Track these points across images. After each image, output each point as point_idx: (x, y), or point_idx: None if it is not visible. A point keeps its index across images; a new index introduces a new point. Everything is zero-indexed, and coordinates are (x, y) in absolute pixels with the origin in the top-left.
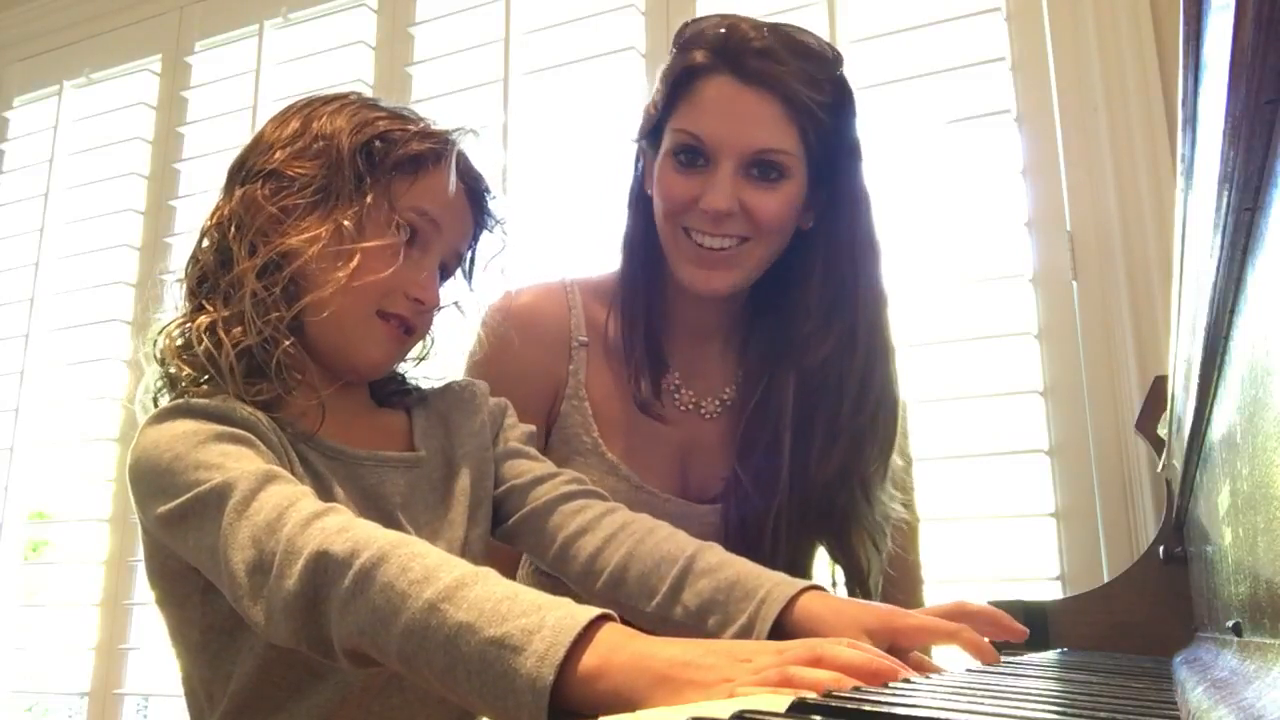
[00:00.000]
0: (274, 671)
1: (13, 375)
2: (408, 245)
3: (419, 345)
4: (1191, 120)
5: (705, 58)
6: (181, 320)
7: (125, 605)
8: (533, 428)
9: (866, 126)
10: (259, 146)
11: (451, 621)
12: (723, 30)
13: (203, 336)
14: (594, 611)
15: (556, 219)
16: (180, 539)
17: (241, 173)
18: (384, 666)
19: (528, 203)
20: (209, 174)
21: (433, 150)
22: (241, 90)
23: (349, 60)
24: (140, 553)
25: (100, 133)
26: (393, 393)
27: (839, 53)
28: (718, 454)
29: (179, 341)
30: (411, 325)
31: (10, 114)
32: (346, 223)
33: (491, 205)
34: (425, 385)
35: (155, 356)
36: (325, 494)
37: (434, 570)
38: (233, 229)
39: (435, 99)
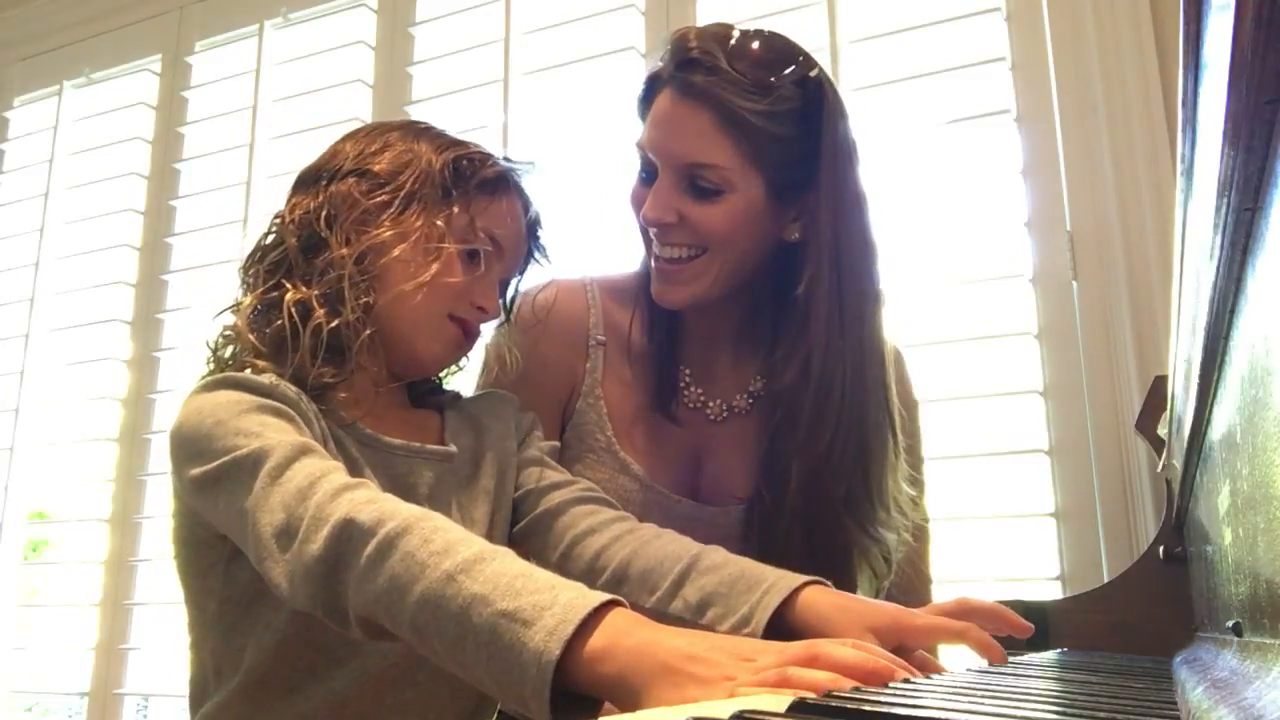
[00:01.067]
0: (291, 652)
1: (13, 375)
2: (478, 260)
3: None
4: (1191, 120)
5: (661, 69)
6: (261, 293)
7: (125, 605)
8: (556, 443)
9: (855, 126)
10: (339, 156)
11: (466, 593)
12: (675, 41)
13: (291, 310)
14: (605, 596)
15: (556, 219)
16: (212, 501)
17: (322, 177)
18: (395, 640)
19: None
20: (209, 174)
21: (508, 178)
22: (241, 90)
23: (349, 60)
24: (141, 553)
25: (100, 133)
26: (427, 393)
27: (803, 57)
28: (731, 457)
29: (252, 320)
30: (473, 332)
31: (10, 114)
32: (439, 222)
33: (543, 238)
34: (461, 391)
35: (220, 338)
36: (356, 478)
37: (455, 544)
38: (322, 220)
39: (435, 99)
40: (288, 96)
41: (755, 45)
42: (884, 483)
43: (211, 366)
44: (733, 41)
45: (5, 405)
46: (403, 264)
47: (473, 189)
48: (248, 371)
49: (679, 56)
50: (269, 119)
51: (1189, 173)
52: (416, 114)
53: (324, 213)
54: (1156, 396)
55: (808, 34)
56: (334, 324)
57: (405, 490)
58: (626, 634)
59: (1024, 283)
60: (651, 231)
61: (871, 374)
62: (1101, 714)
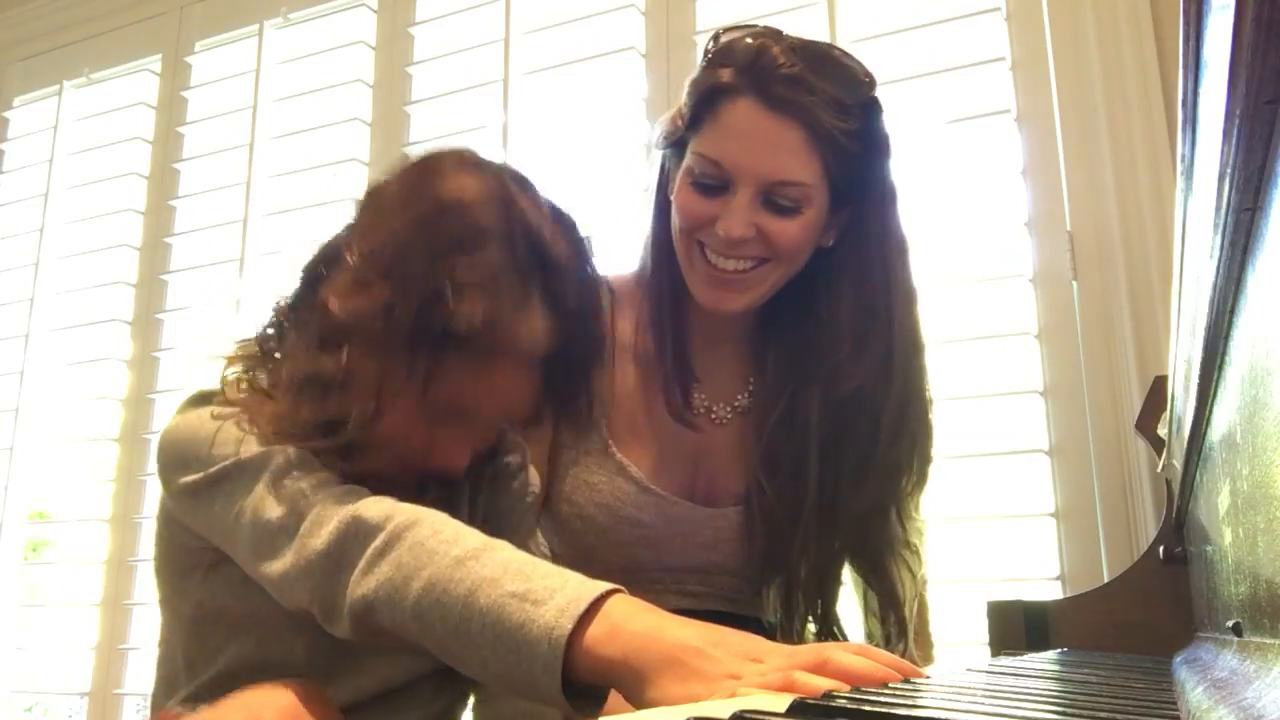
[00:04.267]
0: (260, 674)
1: (13, 375)
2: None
3: None
4: (1191, 120)
5: (733, 77)
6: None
7: (125, 605)
8: (534, 497)
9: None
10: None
11: (475, 575)
12: (753, 51)
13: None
14: (612, 585)
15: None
16: (206, 506)
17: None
18: (384, 641)
19: None
20: (209, 174)
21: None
22: (241, 90)
23: (349, 60)
24: (141, 553)
25: (100, 133)
26: None
27: (869, 77)
28: (728, 459)
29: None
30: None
31: (10, 114)
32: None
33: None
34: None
35: (247, 363)
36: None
37: (464, 534)
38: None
39: (435, 99)
40: (288, 96)
41: (835, 61)
42: (916, 497)
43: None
44: (819, 53)
45: (5, 405)
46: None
47: (514, 344)
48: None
49: (766, 68)
50: (269, 119)
51: (1189, 173)
52: (417, 115)
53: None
54: (1156, 396)
55: (807, 34)
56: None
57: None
58: (633, 618)
59: (1024, 283)
60: (712, 240)
61: (915, 365)
62: (1101, 714)
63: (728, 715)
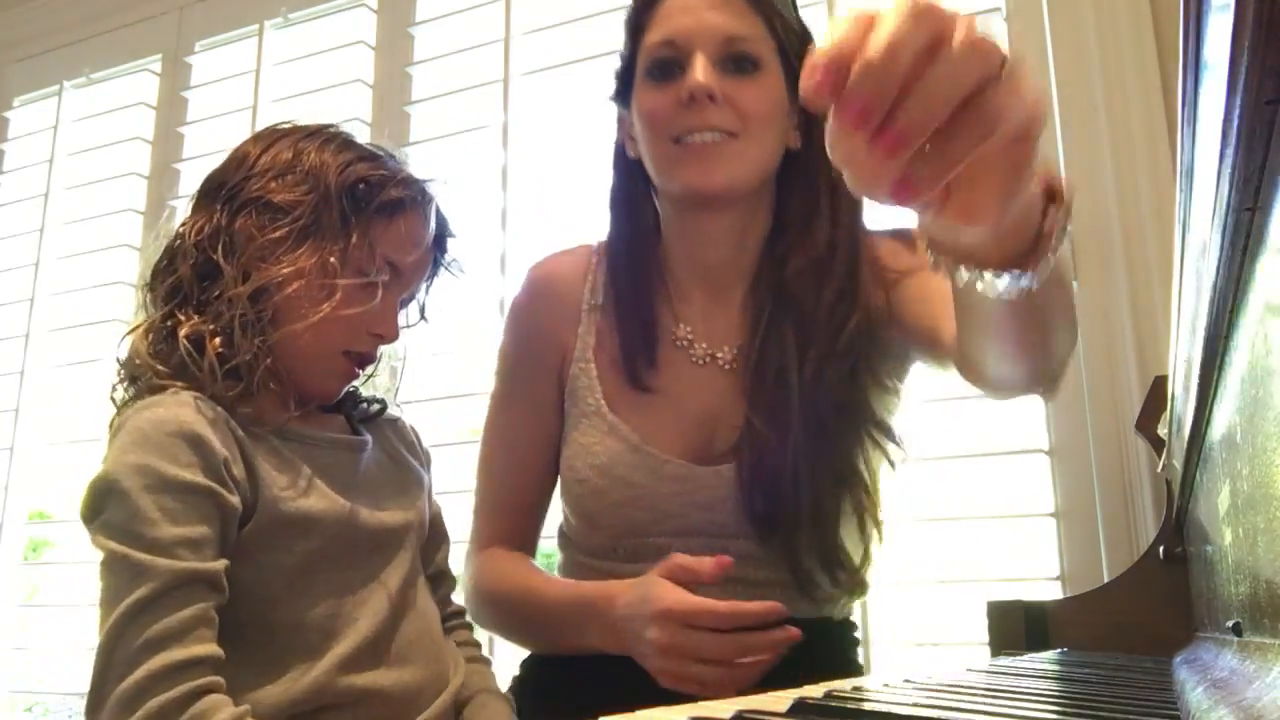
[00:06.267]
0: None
1: (13, 375)
2: (374, 286)
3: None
4: (1191, 120)
5: None
6: (155, 324)
7: None
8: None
9: None
10: (243, 167)
11: None
12: None
13: (186, 344)
14: None
15: (556, 219)
16: (99, 565)
17: (224, 192)
18: None
19: (527, 202)
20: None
21: (410, 198)
22: (241, 90)
23: (349, 60)
24: None
25: (100, 133)
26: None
27: None
28: (729, 412)
29: (153, 346)
30: (369, 360)
31: (10, 114)
32: (332, 259)
33: (451, 248)
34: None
35: (121, 358)
36: (291, 474)
37: None
38: (220, 249)
39: (435, 99)
40: (287, 97)
41: None
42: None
43: (125, 385)
44: None
45: (5, 405)
46: (296, 301)
47: (372, 213)
48: (169, 394)
49: None
50: (269, 119)
51: (1189, 173)
52: (417, 115)
53: (221, 241)
54: (1156, 397)
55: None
56: (231, 360)
57: (338, 477)
58: None
59: None
60: (684, 120)
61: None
62: (1102, 714)
63: (729, 715)
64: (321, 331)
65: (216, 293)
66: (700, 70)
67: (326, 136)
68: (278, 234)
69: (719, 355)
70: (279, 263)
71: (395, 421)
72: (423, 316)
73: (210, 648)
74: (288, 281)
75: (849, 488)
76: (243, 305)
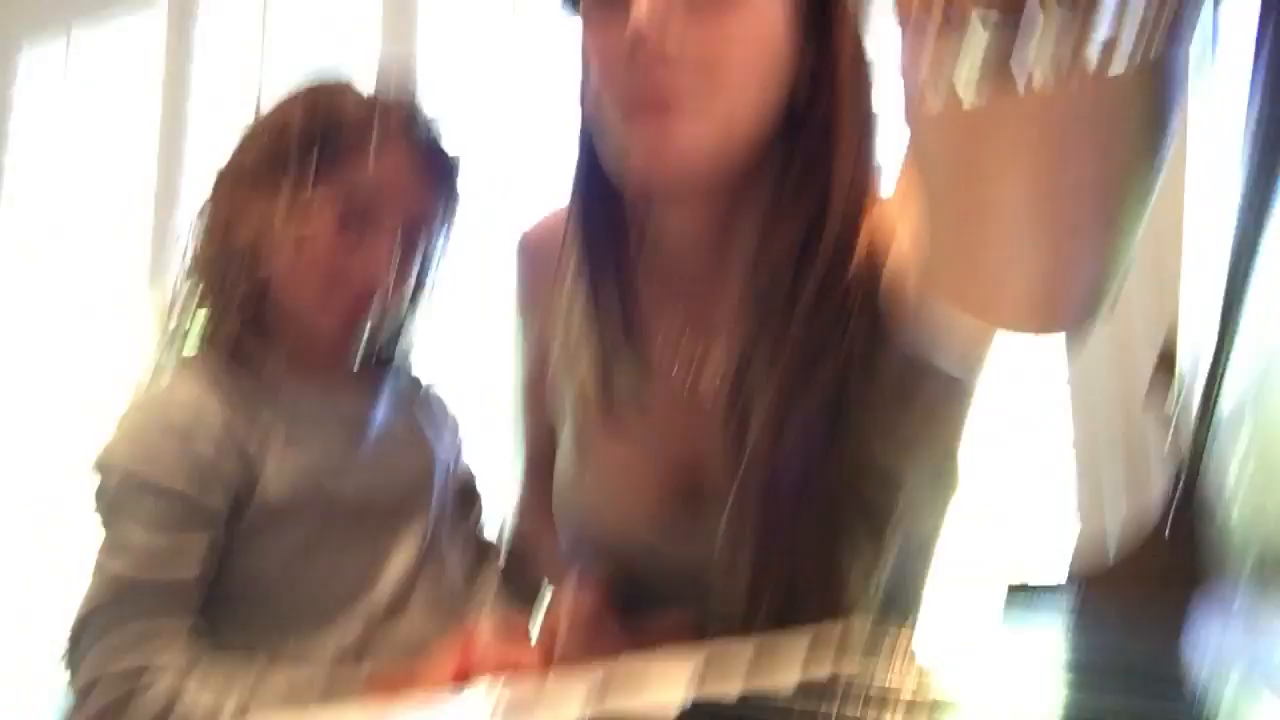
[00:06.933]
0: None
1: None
2: (356, 225)
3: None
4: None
5: None
6: (177, 302)
7: None
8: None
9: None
10: (242, 134)
11: None
12: None
13: (193, 317)
14: None
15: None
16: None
17: (220, 170)
18: None
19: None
20: (219, 120)
21: (375, 125)
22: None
23: None
24: None
25: (109, 77)
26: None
27: None
28: (722, 463)
29: (174, 320)
30: (366, 300)
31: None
32: (299, 204)
33: (456, 169)
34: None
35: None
36: (302, 443)
37: None
38: (210, 220)
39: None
40: (296, 28)
41: None
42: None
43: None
44: None
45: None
46: (275, 253)
47: (335, 152)
48: (179, 376)
49: None
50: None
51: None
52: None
53: (210, 211)
54: (1165, 370)
55: None
56: (230, 324)
57: (348, 444)
58: None
59: None
60: (627, 86)
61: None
62: (1112, 684)
63: (735, 694)
64: (304, 279)
65: (213, 262)
66: (645, 8)
67: (306, 90)
68: (242, 193)
69: (701, 387)
70: (246, 220)
71: (421, 385)
72: (439, 256)
73: (173, 656)
74: (261, 234)
75: (850, 538)
76: (227, 266)
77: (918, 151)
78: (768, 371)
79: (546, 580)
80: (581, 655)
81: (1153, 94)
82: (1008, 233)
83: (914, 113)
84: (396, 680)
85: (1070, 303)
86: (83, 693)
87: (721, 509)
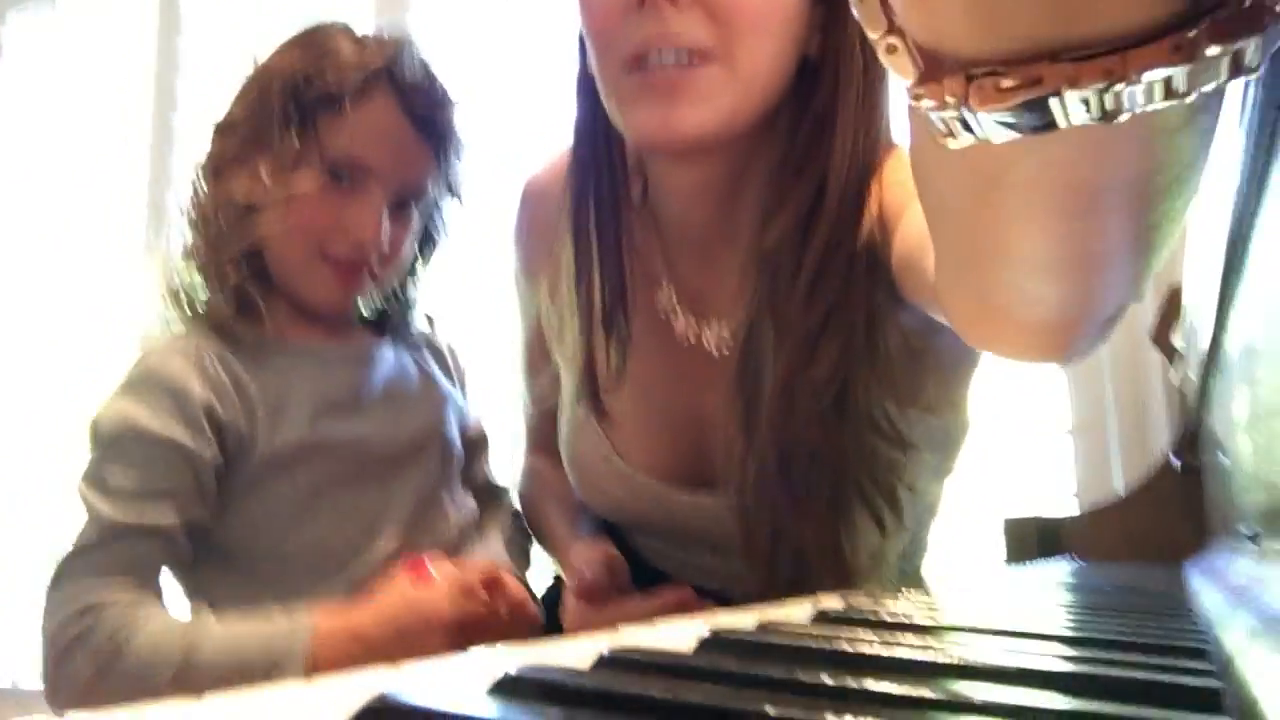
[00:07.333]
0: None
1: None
2: (346, 185)
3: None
4: None
5: None
6: (175, 260)
7: None
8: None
9: None
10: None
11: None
12: None
13: (186, 276)
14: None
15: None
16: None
17: (215, 127)
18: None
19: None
20: (211, 86)
21: (363, 87)
22: None
23: None
24: None
25: (99, 44)
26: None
27: None
28: (728, 412)
29: (171, 281)
30: (359, 265)
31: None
32: (284, 164)
33: (453, 126)
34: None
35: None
36: (294, 401)
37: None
38: (203, 180)
39: None
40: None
41: None
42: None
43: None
44: None
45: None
46: (263, 213)
47: (317, 110)
48: (173, 338)
49: None
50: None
51: None
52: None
53: (203, 172)
54: (1171, 306)
55: None
56: (220, 284)
57: (345, 397)
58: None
59: None
60: (641, 35)
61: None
62: (1116, 618)
63: (751, 624)
64: (294, 239)
65: (209, 218)
66: None
67: (293, 40)
68: (231, 150)
69: (706, 337)
70: (235, 177)
71: (428, 336)
72: (443, 220)
73: (128, 594)
74: (248, 194)
75: (865, 502)
76: (214, 225)
77: (924, 184)
78: (777, 332)
79: (547, 551)
80: (587, 625)
81: (1199, 121)
82: (1026, 275)
83: (922, 145)
84: (351, 609)
85: (1088, 336)
86: (49, 632)
87: (728, 466)
